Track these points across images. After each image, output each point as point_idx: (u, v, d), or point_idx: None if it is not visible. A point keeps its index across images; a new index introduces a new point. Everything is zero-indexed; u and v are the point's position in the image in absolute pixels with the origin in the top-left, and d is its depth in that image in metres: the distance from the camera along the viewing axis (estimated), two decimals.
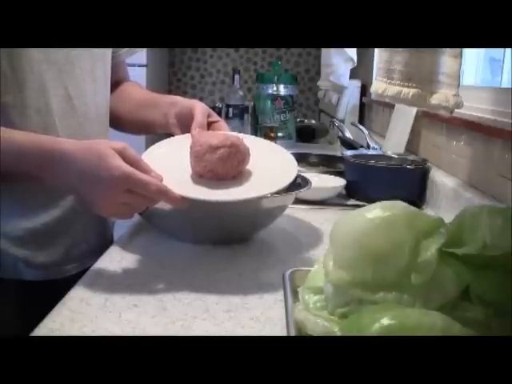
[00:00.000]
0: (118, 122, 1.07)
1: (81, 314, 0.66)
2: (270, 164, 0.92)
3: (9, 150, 0.74)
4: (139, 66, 2.66)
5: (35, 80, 0.84)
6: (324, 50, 2.48)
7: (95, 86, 0.95)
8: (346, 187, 1.31)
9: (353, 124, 1.97)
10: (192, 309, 0.69)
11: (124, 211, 0.75)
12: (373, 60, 2.12)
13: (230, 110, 2.30)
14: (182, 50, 3.52)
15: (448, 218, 0.58)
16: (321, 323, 0.56)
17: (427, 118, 1.44)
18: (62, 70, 0.88)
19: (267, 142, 1.07)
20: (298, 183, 0.98)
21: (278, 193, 0.86)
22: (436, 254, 0.53)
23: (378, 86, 1.62)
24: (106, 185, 0.71)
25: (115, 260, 0.84)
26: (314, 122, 2.65)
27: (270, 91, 2.28)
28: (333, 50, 2.28)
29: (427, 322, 0.48)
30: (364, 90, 2.35)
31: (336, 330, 0.54)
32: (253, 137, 1.06)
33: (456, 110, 1.12)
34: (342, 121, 2.22)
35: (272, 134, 2.00)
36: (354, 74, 2.36)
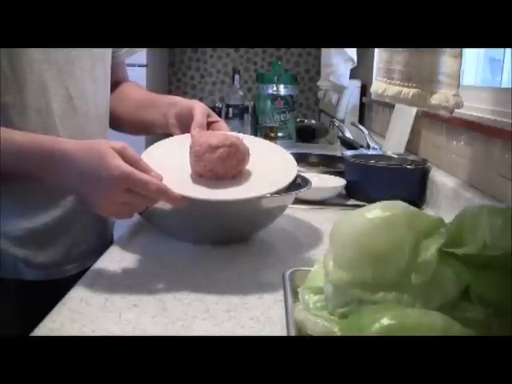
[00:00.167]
0: (118, 122, 1.07)
1: (81, 314, 0.66)
2: (269, 164, 0.92)
3: (9, 150, 0.74)
4: (139, 66, 2.66)
5: (35, 80, 0.84)
6: (324, 50, 2.48)
7: (95, 86, 0.95)
8: (346, 187, 1.31)
9: (353, 124, 1.97)
10: (192, 309, 0.69)
11: (124, 211, 0.75)
12: (373, 60, 2.12)
13: (230, 109, 2.30)
14: (182, 50, 3.53)
15: (448, 217, 0.58)
16: (321, 323, 0.56)
17: (427, 118, 1.44)
18: (62, 70, 0.88)
19: (267, 141, 1.07)
20: (298, 183, 0.98)
21: (278, 193, 0.86)
22: (436, 254, 0.53)
23: (378, 86, 1.62)
24: (105, 184, 0.71)
25: (115, 260, 0.84)
26: (313, 122, 2.65)
27: (270, 91, 2.28)
28: (333, 50, 2.28)
29: (427, 321, 0.48)
30: (364, 90, 2.35)
31: (336, 330, 0.54)
32: (252, 137, 1.06)
33: (456, 110, 1.12)
34: (342, 121, 2.22)
35: (272, 134, 2.00)
36: (354, 74, 2.36)
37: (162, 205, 0.77)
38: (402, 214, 0.56)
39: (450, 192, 1.14)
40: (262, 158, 0.91)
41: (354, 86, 2.37)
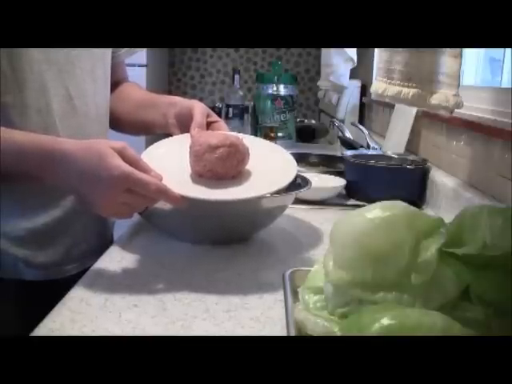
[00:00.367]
0: (117, 122, 1.07)
1: (81, 314, 0.66)
2: (269, 164, 0.92)
3: (9, 150, 0.74)
4: (139, 66, 2.66)
5: (35, 80, 0.84)
6: (324, 50, 2.48)
7: (95, 86, 0.95)
8: (346, 187, 1.31)
9: (353, 124, 1.97)
10: (192, 309, 0.69)
11: (124, 211, 0.75)
12: (373, 60, 2.12)
13: (230, 109, 2.30)
14: (182, 50, 3.52)
15: (448, 217, 0.58)
16: (321, 323, 0.56)
17: (427, 118, 1.44)
18: (62, 70, 0.88)
19: (267, 141, 1.07)
20: (298, 183, 0.98)
21: (278, 193, 0.86)
22: (436, 254, 0.53)
23: (378, 86, 1.62)
24: (105, 184, 0.71)
25: (115, 260, 0.84)
26: (314, 122, 2.65)
27: (270, 91, 2.28)
28: (333, 50, 2.28)
29: (427, 321, 0.48)
30: (364, 90, 2.35)
31: (336, 330, 0.54)
32: (252, 137, 1.06)
33: (456, 110, 1.12)
34: (342, 121, 2.22)
35: (272, 134, 2.00)
36: (354, 74, 2.36)
37: (162, 205, 0.77)
38: (401, 214, 0.56)
39: (450, 192, 1.14)
40: (262, 157, 0.91)
41: (354, 86, 2.36)
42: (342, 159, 1.44)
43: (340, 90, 2.36)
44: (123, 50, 1.07)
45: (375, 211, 0.57)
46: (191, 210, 0.81)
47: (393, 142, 1.66)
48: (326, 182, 1.31)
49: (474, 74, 1.56)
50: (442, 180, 1.21)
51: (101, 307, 0.68)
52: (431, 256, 0.53)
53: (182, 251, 0.89)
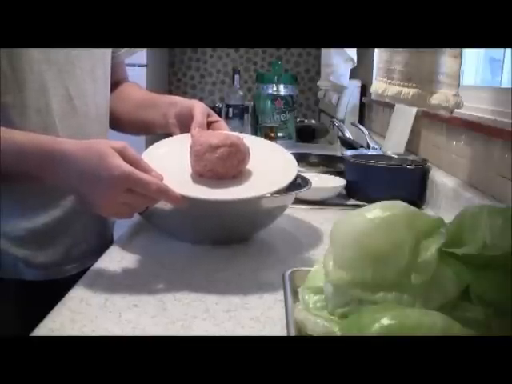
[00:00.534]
0: (117, 122, 1.07)
1: (81, 314, 0.66)
2: (270, 164, 0.92)
3: (9, 150, 0.74)
4: (139, 66, 2.66)
5: (35, 80, 0.84)
6: (324, 50, 2.48)
7: (95, 86, 0.95)
8: (346, 187, 1.31)
9: (353, 124, 1.97)
10: (192, 309, 0.69)
11: (124, 211, 0.75)
12: (373, 60, 2.12)
13: (230, 109, 2.30)
14: (182, 50, 3.52)
15: (448, 217, 0.58)
16: (321, 323, 0.56)
17: (427, 118, 1.44)
18: (62, 70, 0.88)
19: (267, 141, 1.07)
20: (298, 183, 0.98)
21: (278, 193, 0.86)
22: (436, 254, 0.53)
23: (378, 86, 1.62)
24: (106, 184, 0.71)
25: (115, 260, 0.84)
26: (314, 122, 2.65)
27: (270, 91, 2.28)
28: (333, 50, 2.28)
29: (427, 322, 0.48)
30: (364, 90, 2.35)
31: (336, 330, 0.54)
32: (253, 137, 1.06)
33: (456, 110, 1.12)
34: (342, 121, 2.22)
35: (272, 134, 2.00)
36: (354, 74, 2.36)
37: (163, 205, 0.77)
38: (402, 214, 0.56)
39: (450, 192, 1.14)
40: (263, 157, 0.91)
41: (354, 86, 2.36)
42: (341, 159, 1.44)
43: (340, 90, 2.36)
44: (123, 50, 1.07)
45: (375, 211, 0.57)
46: (192, 209, 0.81)
47: (393, 142, 1.66)
48: (326, 182, 1.31)
49: (474, 73, 1.56)
50: (441, 180, 1.21)
51: (101, 307, 0.68)
52: (431, 256, 0.53)
53: (182, 251, 0.89)
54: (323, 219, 1.10)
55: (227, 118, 2.27)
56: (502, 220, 0.53)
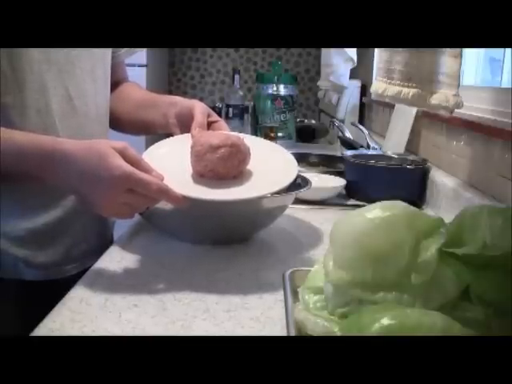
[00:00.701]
0: (117, 122, 1.07)
1: (81, 314, 0.66)
2: (270, 164, 0.92)
3: (9, 150, 0.74)
4: (139, 66, 2.66)
5: (35, 80, 0.84)
6: (324, 50, 2.48)
7: (95, 86, 0.95)
8: (346, 187, 1.31)
9: (353, 124, 1.97)
10: (192, 309, 0.69)
11: (125, 211, 0.75)
12: (373, 60, 2.12)
13: (230, 109, 2.30)
14: (182, 50, 3.52)
15: (448, 217, 0.58)
16: (321, 323, 0.56)
17: (427, 118, 1.44)
18: (62, 70, 0.88)
19: (268, 141, 1.07)
20: (298, 183, 0.98)
21: (279, 193, 0.86)
22: (436, 254, 0.53)
23: (378, 86, 1.62)
24: (106, 184, 0.71)
25: (115, 260, 0.84)
26: (314, 122, 2.65)
27: (270, 91, 2.28)
28: (333, 50, 2.28)
29: (427, 322, 0.48)
30: (364, 90, 2.35)
31: (336, 330, 0.54)
32: (253, 137, 1.06)
33: (456, 110, 1.12)
34: (342, 121, 2.22)
35: (272, 134, 2.00)
36: (354, 74, 2.36)
37: (163, 205, 0.77)
38: (402, 214, 0.56)
39: (450, 192, 1.14)
40: (263, 158, 0.91)
41: (354, 86, 2.36)
42: (341, 159, 1.44)
43: (340, 90, 2.36)
44: (123, 50, 1.07)
45: (375, 211, 0.57)
46: (192, 210, 0.81)
47: (393, 142, 1.66)
48: (326, 182, 1.31)
49: (474, 73, 1.56)
50: (442, 180, 1.21)
51: (101, 307, 0.68)
52: (431, 256, 0.53)
53: (182, 251, 0.89)
54: (323, 219, 1.10)
55: (227, 117, 2.27)
56: (502, 220, 0.53)
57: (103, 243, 0.98)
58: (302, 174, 1.04)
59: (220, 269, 0.83)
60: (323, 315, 0.57)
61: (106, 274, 0.80)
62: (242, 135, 0.89)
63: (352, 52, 2.25)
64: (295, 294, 0.64)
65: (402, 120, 1.62)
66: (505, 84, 1.36)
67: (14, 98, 0.82)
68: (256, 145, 0.91)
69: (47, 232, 0.90)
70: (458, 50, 1.09)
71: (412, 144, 1.54)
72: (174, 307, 0.69)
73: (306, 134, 2.40)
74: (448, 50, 1.12)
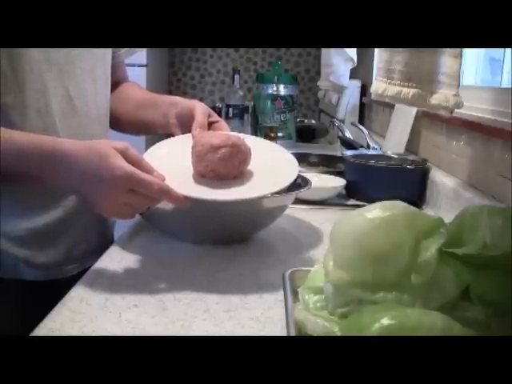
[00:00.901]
0: (118, 122, 1.07)
1: (81, 314, 0.66)
2: (270, 164, 0.92)
3: (9, 150, 0.74)
4: (139, 66, 2.66)
5: (35, 80, 0.84)
6: (324, 50, 2.48)
7: (95, 86, 0.95)
8: (346, 187, 1.31)
9: (353, 124, 1.98)
10: (192, 309, 0.69)
11: (126, 211, 0.75)
12: (373, 60, 2.12)
13: (230, 109, 2.30)
14: (182, 50, 3.52)
15: (448, 217, 0.58)
16: (321, 323, 0.56)
17: (427, 118, 1.44)
18: (62, 70, 0.88)
19: (268, 142, 1.07)
20: (298, 183, 0.98)
21: (279, 193, 0.86)
22: (436, 254, 0.53)
23: (378, 86, 1.62)
24: (107, 185, 0.71)
25: (115, 260, 0.84)
26: (314, 122, 2.65)
27: (270, 91, 2.28)
28: (333, 50, 2.28)
29: (427, 322, 0.48)
30: (364, 90, 2.35)
31: (336, 330, 0.54)
32: (254, 137, 1.06)
33: (456, 110, 1.12)
34: (342, 121, 2.22)
35: (272, 134, 2.00)
36: (354, 74, 2.36)
37: (164, 205, 0.77)
38: (402, 214, 0.56)
39: (450, 192, 1.14)
40: (264, 158, 0.91)
41: (354, 86, 2.36)
42: (341, 159, 1.44)
43: (340, 90, 2.36)
44: (123, 50, 1.07)
45: (375, 211, 0.57)
46: (193, 210, 0.81)
47: (393, 142, 1.66)
48: (326, 182, 1.31)
49: (474, 73, 1.56)
50: (442, 180, 1.21)
51: (101, 307, 0.68)
52: (431, 256, 0.53)
53: (182, 251, 0.89)
54: (323, 219, 1.10)
55: (227, 118, 2.27)
56: (502, 220, 0.53)
57: (103, 243, 0.98)
58: (302, 174, 1.04)
59: (220, 269, 0.83)
60: (323, 315, 0.57)
61: (106, 273, 0.80)
62: (242, 135, 0.89)
63: (352, 52, 2.25)
64: (295, 294, 0.64)
65: (402, 120, 1.62)
66: (505, 84, 1.36)
67: (14, 98, 0.82)
68: (256, 145, 0.91)
69: (48, 232, 0.90)
70: (457, 50, 1.09)
71: (412, 144, 1.54)
72: (174, 307, 0.69)
73: (306, 134, 2.40)
74: (448, 50, 1.12)
